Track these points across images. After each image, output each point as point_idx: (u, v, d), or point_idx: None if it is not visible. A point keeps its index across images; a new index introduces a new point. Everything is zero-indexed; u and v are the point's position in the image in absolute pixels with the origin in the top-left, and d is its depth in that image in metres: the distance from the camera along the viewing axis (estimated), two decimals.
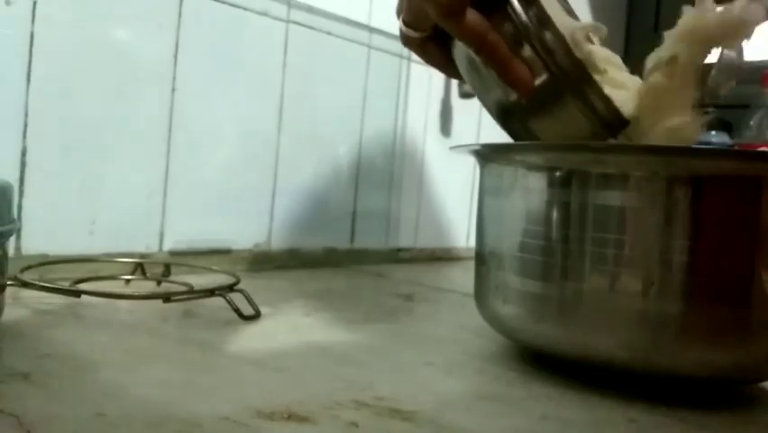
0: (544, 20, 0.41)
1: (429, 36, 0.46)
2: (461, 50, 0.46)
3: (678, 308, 0.38)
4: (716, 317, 0.38)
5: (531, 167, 0.43)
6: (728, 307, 0.39)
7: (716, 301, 0.39)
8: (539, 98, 0.42)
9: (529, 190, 0.43)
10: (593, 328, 0.40)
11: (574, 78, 0.41)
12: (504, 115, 0.46)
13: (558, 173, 0.42)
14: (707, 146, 0.38)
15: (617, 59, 0.45)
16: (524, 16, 0.41)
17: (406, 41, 0.48)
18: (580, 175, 0.41)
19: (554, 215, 0.42)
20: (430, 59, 0.49)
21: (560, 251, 0.41)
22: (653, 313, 0.39)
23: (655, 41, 0.43)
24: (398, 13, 0.47)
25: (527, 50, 0.42)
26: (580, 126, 0.42)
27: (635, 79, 0.44)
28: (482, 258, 0.48)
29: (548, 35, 0.41)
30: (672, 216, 0.38)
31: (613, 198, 0.40)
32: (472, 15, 0.41)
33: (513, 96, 0.43)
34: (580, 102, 0.41)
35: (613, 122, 0.42)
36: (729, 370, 0.40)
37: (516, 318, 0.45)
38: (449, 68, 0.49)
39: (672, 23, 0.43)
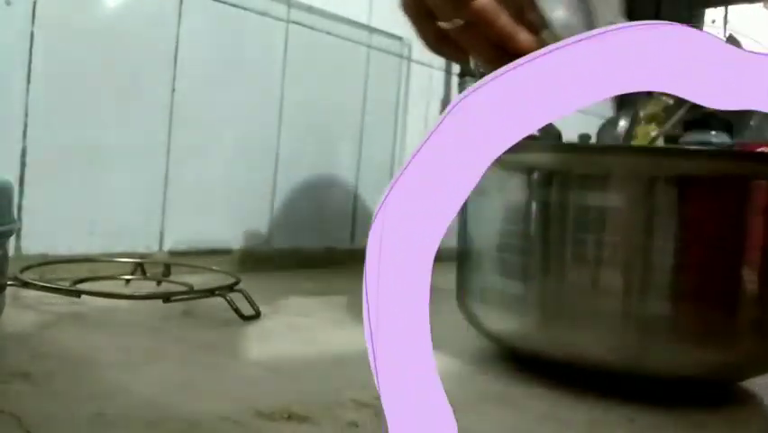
0: None
1: None
2: None
3: (662, 308, 0.38)
4: (701, 317, 0.38)
5: (513, 167, 0.43)
6: (713, 307, 0.39)
7: (701, 301, 0.38)
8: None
9: (513, 191, 0.43)
10: (576, 330, 0.40)
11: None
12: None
13: (537, 174, 0.41)
14: (703, 147, 0.38)
15: None
16: None
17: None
18: (562, 176, 0.41)
19: (539, 215, 0.41)
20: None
21: (540, 252, 0.41)
22: (637, 314, 0.38)
23: None
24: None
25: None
26: None
27: None
28: (464, 258, 0.48)
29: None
30: (657, 216, 0.38)
31: (597, 198, 0.39)
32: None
33: None
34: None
35: None
36: (715, 369, 0.40)
37: (497, 320, 0.44)
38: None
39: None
